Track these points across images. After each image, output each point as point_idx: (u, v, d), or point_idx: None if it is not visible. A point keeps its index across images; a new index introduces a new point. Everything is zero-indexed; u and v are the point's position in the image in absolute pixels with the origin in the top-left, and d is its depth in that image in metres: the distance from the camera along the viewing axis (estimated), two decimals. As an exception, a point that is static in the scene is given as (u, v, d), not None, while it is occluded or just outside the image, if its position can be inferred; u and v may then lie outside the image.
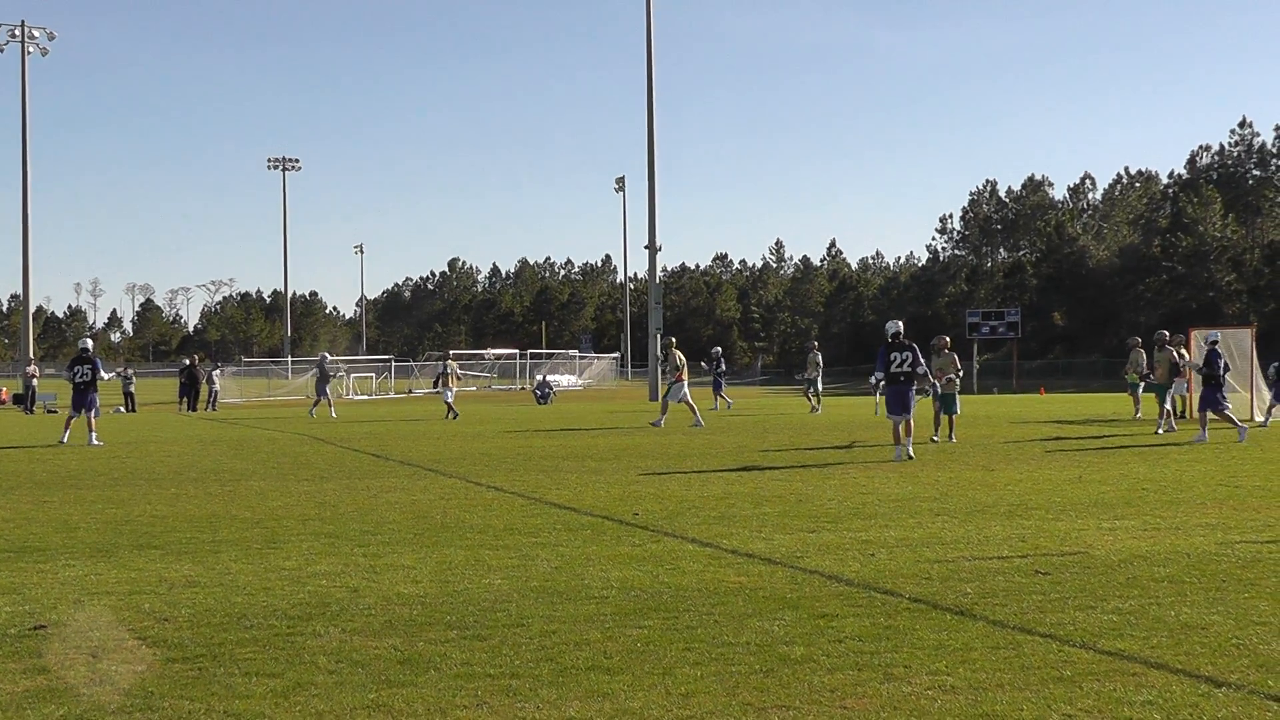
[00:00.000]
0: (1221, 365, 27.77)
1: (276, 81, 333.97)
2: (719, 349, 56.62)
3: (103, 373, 32.26)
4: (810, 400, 45.66)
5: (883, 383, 23.76)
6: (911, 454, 21.80)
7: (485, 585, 10.86)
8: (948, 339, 28.06)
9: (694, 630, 9.00)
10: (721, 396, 50.91)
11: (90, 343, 33.21)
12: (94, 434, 30.62)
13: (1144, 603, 9.92)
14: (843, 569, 11.55)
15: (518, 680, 7.71)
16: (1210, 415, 27.37)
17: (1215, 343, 28.52)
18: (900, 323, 23.88)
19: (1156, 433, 29.32)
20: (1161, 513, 15.45)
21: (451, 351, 52.73)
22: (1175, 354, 31.77)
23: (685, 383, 36.97)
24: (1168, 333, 34.14)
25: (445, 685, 7.61)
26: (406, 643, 8.69)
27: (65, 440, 30.73)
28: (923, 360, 23.94)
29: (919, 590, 10.47)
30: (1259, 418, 33.74)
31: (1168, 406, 30.49)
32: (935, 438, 26.95)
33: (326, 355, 52.87)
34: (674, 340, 40.27)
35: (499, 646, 8.56)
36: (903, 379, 22.98)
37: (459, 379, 45.23)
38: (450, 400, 43.92)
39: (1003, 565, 11.68)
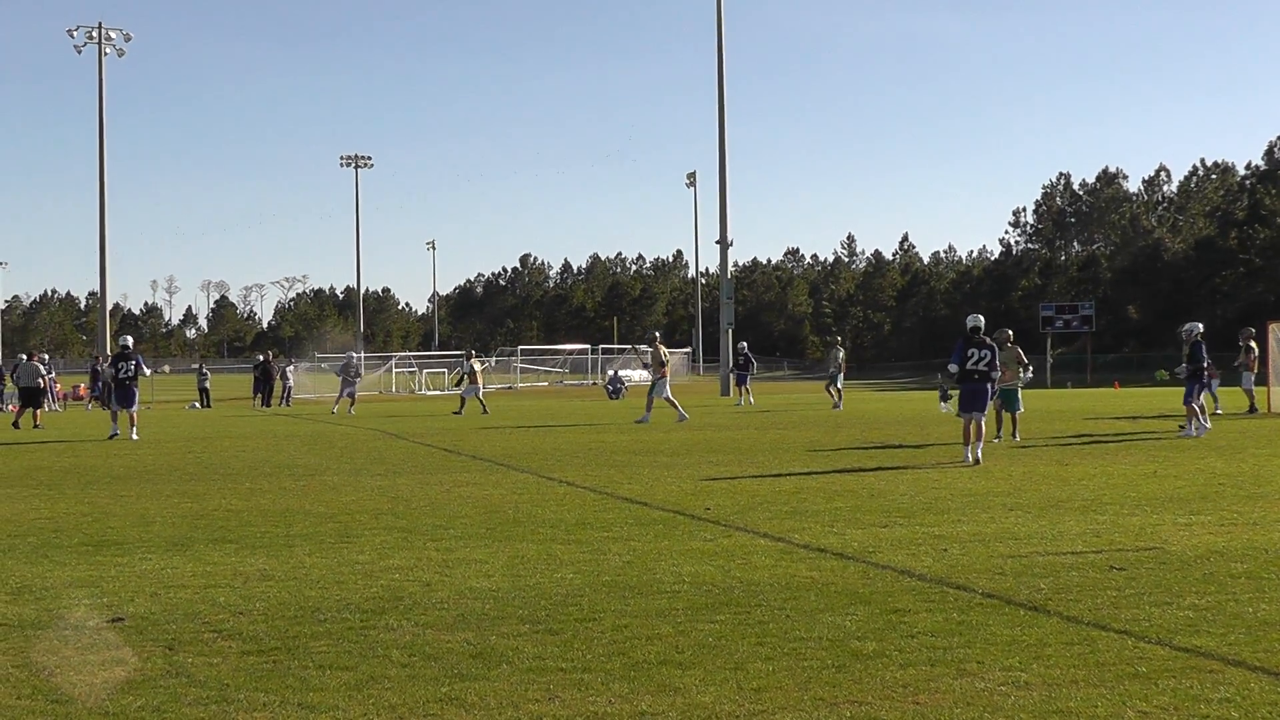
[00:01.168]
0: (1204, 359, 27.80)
1: (349, 79, 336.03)
2: (744, 344, 56.28)
3: (145, 369, 33.27)
4: (831, 396, 44.60)
5: (954, 377, 23.16)
6: (980, 458, 21.35)
7: (557, 580, 10.89)
8: (1010, 332, 27.55)
9: (766, 625, 8.99)
10: (746, 391, 50.91)
11: (131, 340, 34.29)
12: (135, 429, 31.67)
13: (1221, 599, 9.82)
14: (915, 564, 11.51)
15: (589, 674, 7.72)
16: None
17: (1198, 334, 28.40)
18: (981, 318, 23.18)
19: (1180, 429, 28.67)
20: (1239, 508, 15.29)
21: (472, 350, 52.61)
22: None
23: (668, 379, 36.72)
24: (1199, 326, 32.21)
25: (517, 679, 7.64)
26: (479, 637, 8.72)
27: (116, 433, 31.32)
28: (999, 364, 23.54)
29: (992, 585, 10.41)
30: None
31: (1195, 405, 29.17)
32: (998, 437, 26.54)
33: (353, 355, 53.07)
34: (658, 334, 39.53)
35: (571, 641, 8.58)
36: (978, 376, 22.56)
37: (481, 376, 44.97)
38: (474, 396, 43.62)
39: (1077, 561, 11.60)
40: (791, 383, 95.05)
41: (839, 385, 44.69)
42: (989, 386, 22.80)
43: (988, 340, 22.83)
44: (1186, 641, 8.42)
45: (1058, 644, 8.36)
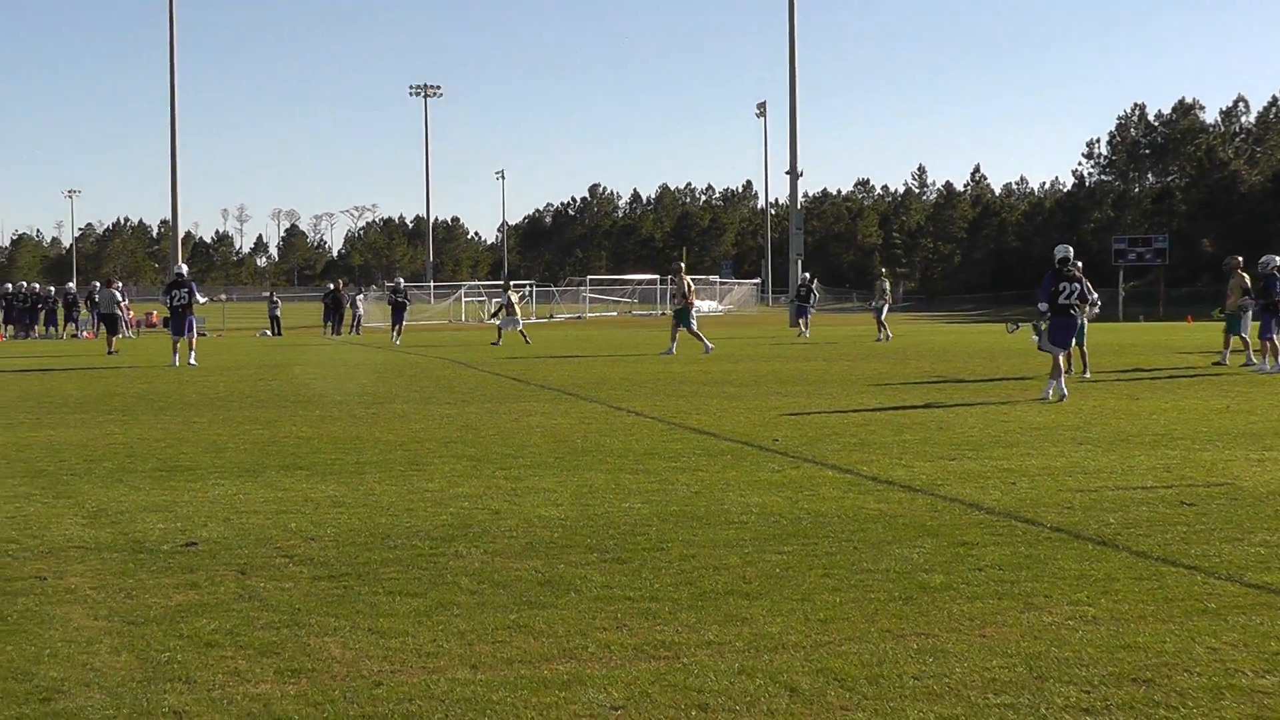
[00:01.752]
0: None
1: (419, 8, 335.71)
2: (807, 274, 55.81)
3: (199, 296, 33.50)
4: (880, 330, 44.20)
5: (1045, 314, 22.53)
6: (1065, 392, 20.96)
7: (625, 509, 10.94)
8: (1079, 264, 27.10)
9: (833, 557, 9.00)
10: (803, 324, 50.25)
11: (184, 268, 34.70)
12: (193, 353, 31.85)
13: (1293, 535, 9.75)
14: (983, 497, 11.48)
15: (657, 603, 7.77)
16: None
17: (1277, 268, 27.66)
18: (1069, 249, 22.75)
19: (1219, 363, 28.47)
20: (1312, 444, 15.15)
21: (511, 282, 52.24)
22: (1245, 280, 29.86)
23: (694, 309, 36.55)
24: (1240, 258, 31.52)
25: (585, 607, 7.69)
26: (547, 565, 8.78)
27: (176, 363, 31.13)
28: (1092, 290, 23.14)
29: (1061, 520, 10.38)
30: None
31: (1244, 336, 28.91)
32: (1069, 371, 26.04)
33: (401, 281, 53.17)
34: (683, 265, 39.16)
35: (638, 570, 8.62)
36: (1072, 310, 22.10)
37: (520, 308, 44.91)
38: (513, 328, 42.72)
39: (1147, 495, 11.54)
40: (860, 315, 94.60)
41: (882, 319, 44.64)
42: (1078, 319, 22.37)
43: (1076, 273, 22.30)
44: (1257, 578, 8.38)
45: (1126, 579, 8.33)
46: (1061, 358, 21.31)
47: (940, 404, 20.17)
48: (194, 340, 32.12)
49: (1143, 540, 9.54)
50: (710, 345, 35.25)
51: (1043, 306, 21.87)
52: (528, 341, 41.93)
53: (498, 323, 44.87)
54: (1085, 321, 25.84)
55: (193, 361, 31.24)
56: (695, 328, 36.00)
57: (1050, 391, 20.88)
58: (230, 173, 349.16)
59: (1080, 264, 25.92)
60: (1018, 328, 27.10)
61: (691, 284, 36.76)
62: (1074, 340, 25.45)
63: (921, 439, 15.75)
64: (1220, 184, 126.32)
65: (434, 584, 8.27)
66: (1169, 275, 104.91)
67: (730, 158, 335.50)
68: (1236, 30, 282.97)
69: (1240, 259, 30.02)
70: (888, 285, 45.84)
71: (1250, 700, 6.11)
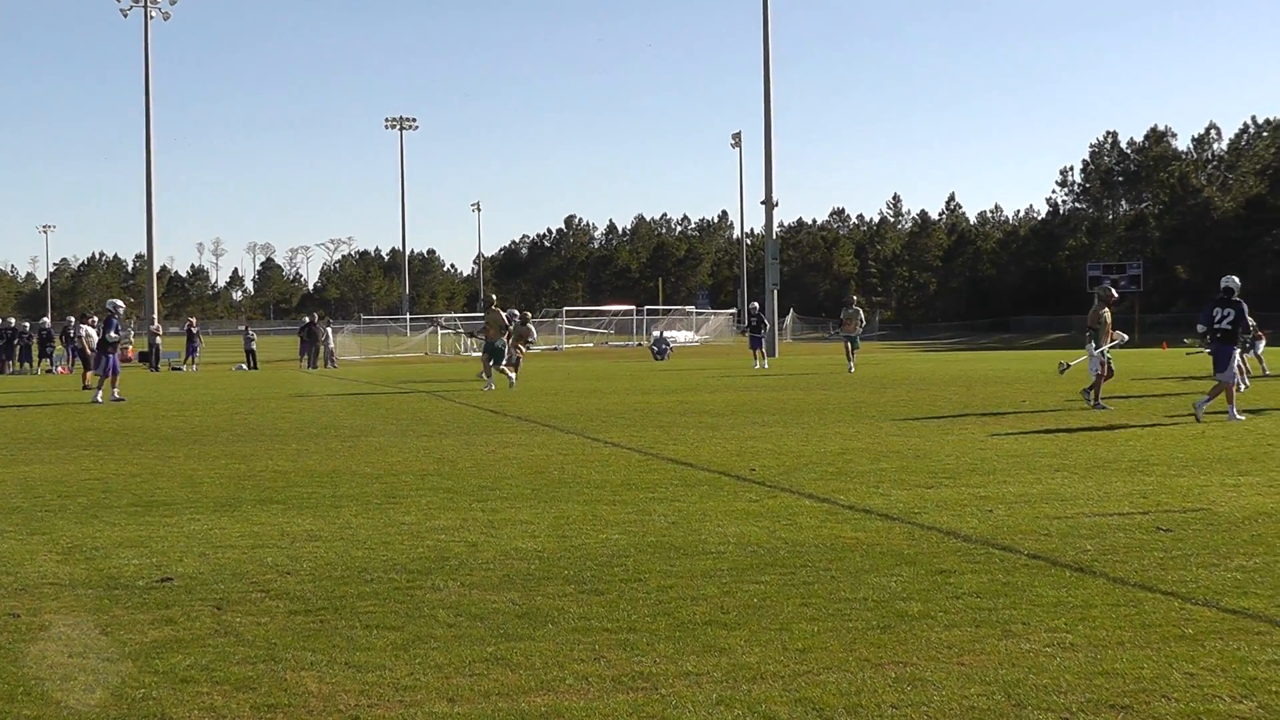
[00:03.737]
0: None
1: (394, 42, 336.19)
2: (757, 304, 54.71)
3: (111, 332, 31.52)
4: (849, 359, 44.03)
5: (1203, 337, 22.43)
6: (1237, 415, 20.88)
7: (602, 540, 10.92)
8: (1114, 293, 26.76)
9: (811, 586, 9.00)
10: (762, 354, 49.31)
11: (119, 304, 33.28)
12: (99, 391, 31.15)
13: (1269, 560, 9.78)
14: (960, 525, 11.49)
15: (634, 634, 7.75)
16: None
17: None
18: (1235, 279, 22.56)
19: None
20: (1287, 469, 15.20)
21: (528, 313, 50.81)
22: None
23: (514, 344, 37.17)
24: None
25: (563, 639, 7.67)
26: (524, 597, 8.76)
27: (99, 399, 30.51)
28: (1248, 318, 22.91)
29: (1038, 546, 10.39)
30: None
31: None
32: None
33: (314, 317, 52.92)
34: (494, 298, 38.35)
35: (616, 601, 8.60)
36: (1220, 335, 21.98)
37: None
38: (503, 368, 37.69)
39: (1124, 522, 11.56)
40: (836, 343, 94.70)
41: (855, 346, 44.64)
42: (1231, 347, 22.24)
43: (1235, 300, 22.19)
44: (1234, 603, 8.39)
45: (1103, 605, 8.34)
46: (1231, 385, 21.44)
47: (917, 429, 20.19)
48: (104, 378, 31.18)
49: (1120, 566, 9.55)
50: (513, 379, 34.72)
51: (1201, 327, 22.23)
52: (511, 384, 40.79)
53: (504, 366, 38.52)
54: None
55: (99, 398, 30.39)
56: (504, 363, 34.90)
57: (1235, 413, 21.00)
58: (206, 207, 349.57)
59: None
60: (1069, 367, 26.91)
61: (507, 320, 35.76)
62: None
63: (898, 467, 15.76)
64: (1193, 211, 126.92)
65: (411, 617, 8.24)
66: (1144, 302, 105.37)
67: (706, 188, 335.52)
68: (1207, 58, 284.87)
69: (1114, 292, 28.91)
70: (859, 313, 45.36)
71: (1228, 726, 6.12)
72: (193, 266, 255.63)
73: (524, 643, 7.60)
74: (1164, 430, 19.95)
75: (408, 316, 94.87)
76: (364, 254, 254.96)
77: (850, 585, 9.00)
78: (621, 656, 7.30)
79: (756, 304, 55.16)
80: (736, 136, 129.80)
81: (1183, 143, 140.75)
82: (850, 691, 6.62)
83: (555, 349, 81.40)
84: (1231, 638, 7.55)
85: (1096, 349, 24.49)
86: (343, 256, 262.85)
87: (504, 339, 34.71)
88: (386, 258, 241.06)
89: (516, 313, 40.58)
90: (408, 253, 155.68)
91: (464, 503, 13.19)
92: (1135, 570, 9.41)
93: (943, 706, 6.38)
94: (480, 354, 38.85)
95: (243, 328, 62.21)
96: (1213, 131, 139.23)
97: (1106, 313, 25.91)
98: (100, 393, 30.80)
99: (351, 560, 10.17)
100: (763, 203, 70.33)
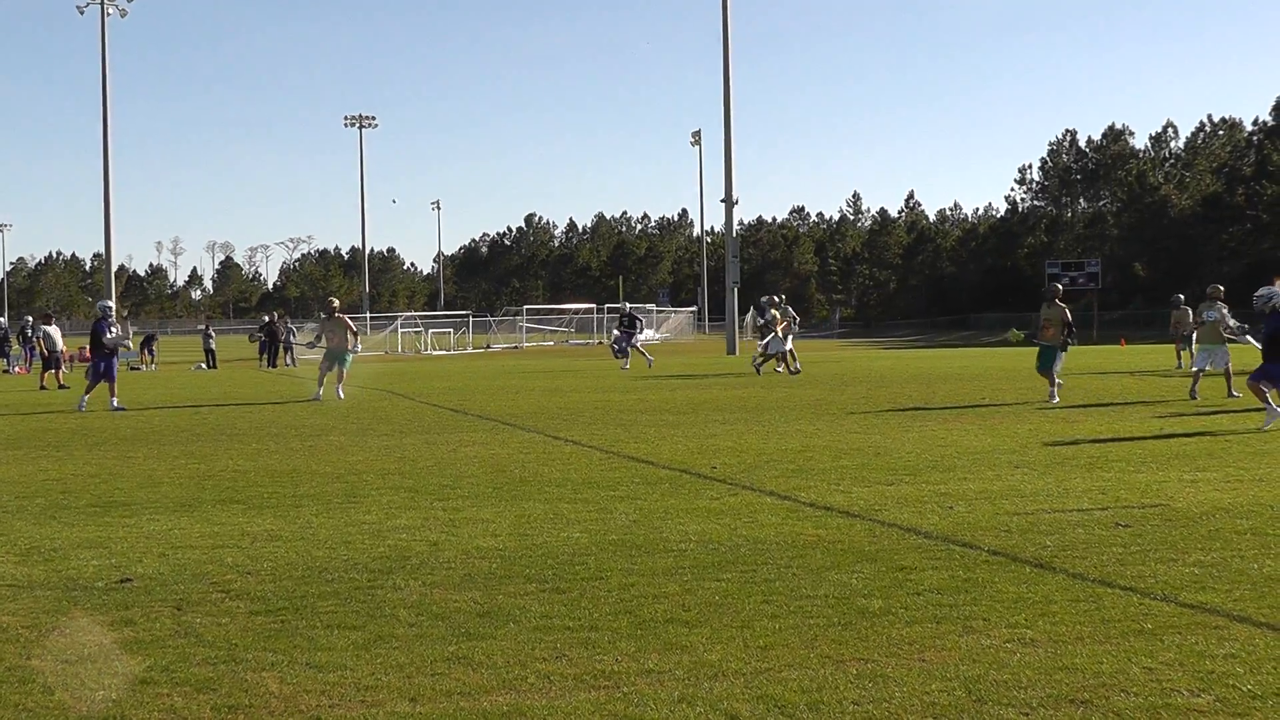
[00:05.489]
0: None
1: (354, 40, 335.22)
2: (627, 304, 52.47)
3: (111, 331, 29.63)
4: (759, 360, 40.08)
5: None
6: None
7: (564, 539, 10.91)
8: (1059, 288, 26.68)
9: (772, 583, 9.01)
10: (627, 354, 46.23)
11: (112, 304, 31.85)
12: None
13: (1226, 555, 9.85)
14: (921, 522, 11.53)
15: (596, 633, 7.75)
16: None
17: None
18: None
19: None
20: (1244, 464, 15.31)
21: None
22: (1067, 313, 27.94)
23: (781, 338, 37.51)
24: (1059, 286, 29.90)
25: (524, 638, 7.66)
26: (486, 596, 8.75)
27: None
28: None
29: (998, 543, 10.43)
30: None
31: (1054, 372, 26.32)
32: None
33: (273, 316, 52.18)
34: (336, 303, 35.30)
35: (578, 599, 8.60)
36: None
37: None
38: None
39: (1083, 518, 11.62)
40: (796, 341, 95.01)
41: (771, 351, 39.63)
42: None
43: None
44: (1192, 598, 8.44)
45: (1063, 601, 8.38)
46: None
47: (877, 426, 20.25)
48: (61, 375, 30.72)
49: (1079, 562, 9.60)
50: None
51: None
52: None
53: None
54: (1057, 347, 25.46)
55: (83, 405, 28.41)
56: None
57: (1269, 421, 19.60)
58: (164, 205, 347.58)
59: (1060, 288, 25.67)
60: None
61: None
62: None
63: (859, 464, 15.80)
64: (1151, 208, 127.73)
65: (372, 617, 8.22)
66: (1102, 299, 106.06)
67: (666, 186, 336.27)
68: (1165, 58, 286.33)
69: (1060, 287, 28.53)
70: (777, 314, 39.47)
71: (1186, 719, 6.16)
72: (151, 265, 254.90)
73: (486, 642, 7.59)
74: (1122, 427, 20.06)
75: (368, 315, 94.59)
76: (324, 252, 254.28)
77: (811, 582, 9.02)
78: (583, 655, 7.30)
79: (628, 303, 53.91)
80: (696, 134, 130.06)
81: (1140, 141, 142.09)
82: (812, 688, 6.63)
83: (516, 347, 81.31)
84: (1189, 632, 7.60)
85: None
86: (303, 255, 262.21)
87: (352, 345, 31.34)
88: (347, 256, 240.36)
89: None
90: (368, 251, 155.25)
91: (425, 502, 13.17)
92: (1094, 566, 9.46)
93: (904, 703, 6.40)
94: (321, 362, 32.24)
95: (202, 327, 61.89)
96: (1170, 130, 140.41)
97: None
98: (88, 398, 28.53)
99: (312, 560, 10.13)
100: (723, 201, 70.46)
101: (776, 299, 39.83)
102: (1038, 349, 26.33)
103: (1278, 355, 18.96)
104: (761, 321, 39.33)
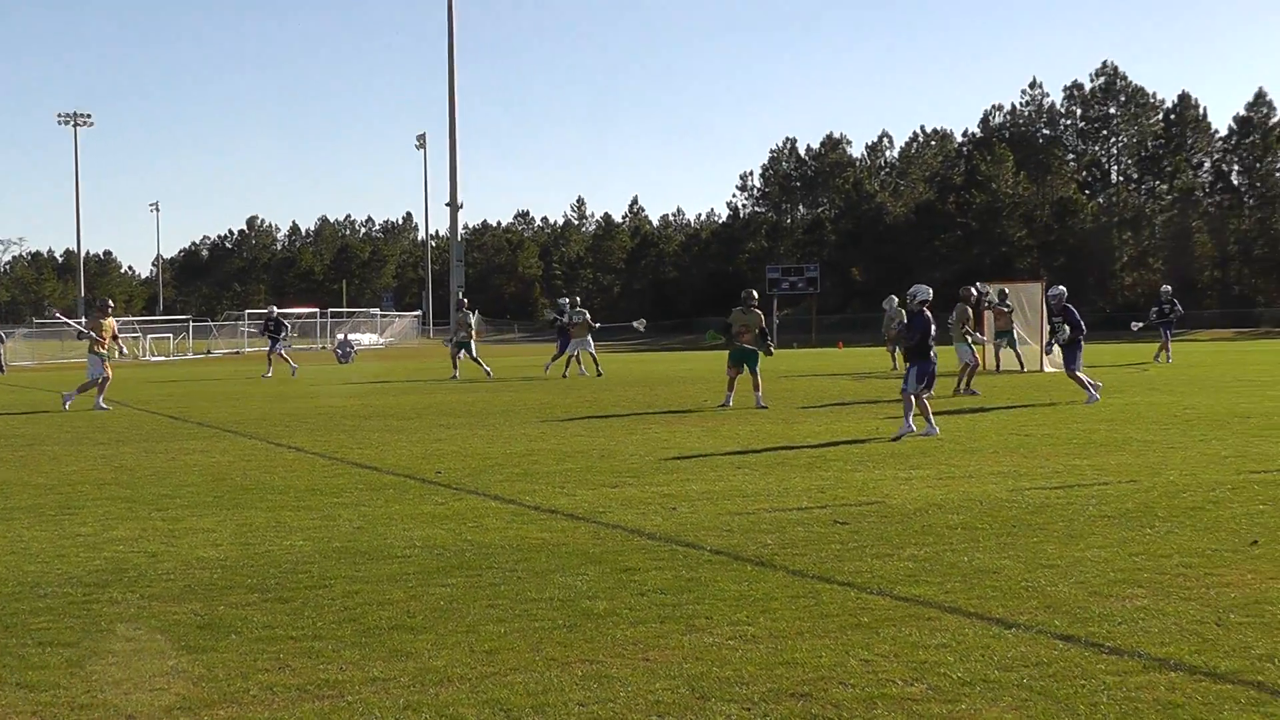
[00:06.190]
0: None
1: (68, 35, 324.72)
2: (274, 308, 51.33)
3: None
4: (454, 366, 39.46)
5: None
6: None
7: (287, 547, 10.77)
8: (755, 293, 27.34)
9: (498, 587, 9.02)
10: (276, 359, 44.61)
11: None
12: None
13: (939, 549, 10.18)
14: (645, 523, 11.66)
15: (320, 642, 7.66)
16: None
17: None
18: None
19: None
20: (955, 461, 15.84)
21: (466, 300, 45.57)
22: (969, 313, 29.82)
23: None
24: (973, 288, 31.64)
25: (247, 649, 7.53)
26: (207, 607, 8.58)
27: None
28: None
29: (720, 542, 10.61)
30: (1048, 369, 34.64)
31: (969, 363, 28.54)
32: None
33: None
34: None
35: (301, 608, 8.49)
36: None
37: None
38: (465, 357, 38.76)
39: (803, 516, 11.88)
40: (522, 345, 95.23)
41: (462, 355, 39.27)
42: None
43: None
44: (906, 591, 8.71)
45: (784, 597, 8.57)
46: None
47: (602, 429, 20.41)
48: None
49: (799, 559, 9.82)
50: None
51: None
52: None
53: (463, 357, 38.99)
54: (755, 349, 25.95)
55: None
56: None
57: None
58: None
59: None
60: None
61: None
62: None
63: (584, 467, 15.91)
64: (868, 215, 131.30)
65: (87, 632, 7.99)
66: (821, 303, 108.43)
67: (390, 190, 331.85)
68: (880, 67, 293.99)
69: (973, 290, 30.55)
70: (471, 317, 39.25)
71: (901, 708, 6.35)
72: None
73: (207, 654, 7.45)
74: (840, 427, 20.58)
75: (82, 319, 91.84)
76: (36, 255, 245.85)
77: (537, 585, 9.06)
78: (307, 664, 7.21)
79: (274, 307, 52.59)
80: (421, 138, 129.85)
81: (857, 150, 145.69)
82: (538, 691, 6.66)
83: (237, 353, 79.78)
84: (904, 624, 7.84)
85: (973, 341, 26.73)
86: (14, 257, 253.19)
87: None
88: (61, 259, 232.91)
89: None
90: (83, 254, 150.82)
91: (143, 512, 12.85)
92: (814, 562, 9.69)
93: (629, 702, 6.47)
94: None
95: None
96: (885, 140, 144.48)
97: (969, 310, 28.94)
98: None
99: (24, 575, 9.80)
100: (447, 204, 70.32)
101: (577, 300, 40.65)
102: (733, 351, 26.23)
103: (926, 354, 19.68)
104: (562, 323, 39.30)
